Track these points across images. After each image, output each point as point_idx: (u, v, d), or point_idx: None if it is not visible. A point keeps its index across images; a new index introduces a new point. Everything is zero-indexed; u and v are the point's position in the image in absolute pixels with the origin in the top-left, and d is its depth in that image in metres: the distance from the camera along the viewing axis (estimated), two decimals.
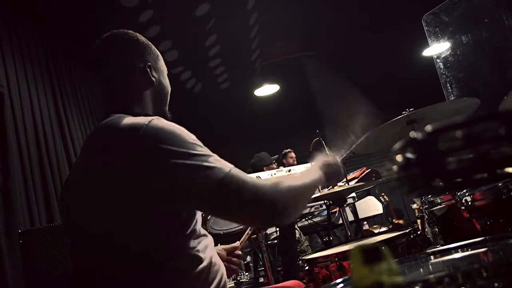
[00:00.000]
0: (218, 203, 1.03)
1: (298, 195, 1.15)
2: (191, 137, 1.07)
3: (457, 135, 0.50)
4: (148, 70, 1.25)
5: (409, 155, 0.53)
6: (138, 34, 1.33)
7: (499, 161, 0.50)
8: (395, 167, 0.56)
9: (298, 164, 4.77)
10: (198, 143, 1.07)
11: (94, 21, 4.02)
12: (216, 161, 1.05)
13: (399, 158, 0.55)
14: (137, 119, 1.08)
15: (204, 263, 1.10)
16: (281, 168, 4.08)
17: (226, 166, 1.05)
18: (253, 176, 3.50)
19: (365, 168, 4.14)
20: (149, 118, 1.06)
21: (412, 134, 0.51)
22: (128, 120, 1.08)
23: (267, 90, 6.58)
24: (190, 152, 1.02)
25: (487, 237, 0.96)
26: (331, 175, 1.34)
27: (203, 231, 1.18)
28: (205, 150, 1.06)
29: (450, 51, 3.40)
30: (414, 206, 4.32)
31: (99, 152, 1.10)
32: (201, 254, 1.10)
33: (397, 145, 0.55)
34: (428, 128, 0.50)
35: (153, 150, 1.01)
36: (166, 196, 1.02)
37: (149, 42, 1.34)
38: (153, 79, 1.26)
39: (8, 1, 3.30)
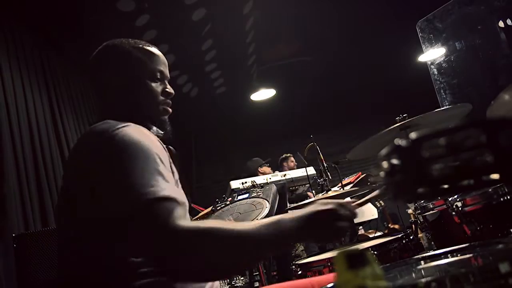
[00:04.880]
0: (137, 225, 0.92)
1: (238, 251, 0.94)
2: (151, 153, 1.01)
3: (440, 143, 0.51)
4: (137, 79, 1.25)
5: (394, 161, 0.54)
6: (134, 43, 1.30)
7: (481, 168, 0.51)
8: (381, 173, 0.57)
9: (298, 168, 4.78)
10: (153, 161, 1.00)
11: (91, 25, 4.03)
12: (159, 185, 0.95)
13: (385, 164, 0.56)
14: (110, 124, 1.07)
15: None
16: (277, 172, 4.09)
17: (166, 191, 0.94)
18: (248, 180, 3.51)
19: (360, 173, 4.15)
20: (120, 124, 1.05)
21: (397, 141, 0.52)
22: (103, 125, 1.08)
23: (263, 94, 6.59)
24: (137, 172, 0.96)
25: (476, 242, 0.97)
26: (316, 231, 1.03)
27: None
28: (155, 172, 0.98)
29: (444, 57, 3.42)
30: (410, 211, 4.33)
31: (76, 158, 1.13)
32: None
33: (383, 152, 0.56)
34: (412, 135, 0.51)
35: (106, 160, 1.00)
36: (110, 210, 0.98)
37: (145, 48, 1.30)
38: (143, 88, 1.25)
39: (4, 5, 3.30)
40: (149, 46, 1.31)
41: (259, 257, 1.04)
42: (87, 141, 1.12)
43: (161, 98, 1.27)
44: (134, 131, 1.05)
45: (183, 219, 0.92)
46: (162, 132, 1.27)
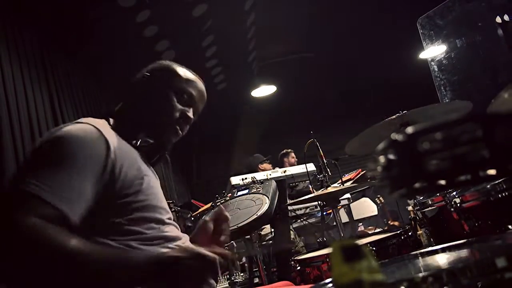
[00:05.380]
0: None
1: (63, 265, 0.91)
2: (69, 155, 1.03)
3: (436, 137, 0.51)
4: (163, 88, 1.31)
5: (391, 156, 0.54)
6: (180, 65, 1.39)
7: (478, 163, 0.51)
8: (378, 168, 0.57)
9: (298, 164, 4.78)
10: (64, 162, 1.02)
11: (91, 20, 4.03)
12: (42, 182, 0.96)
13: (381, 159, 0.56)
14: (66, 124, 1.15)
15: None
16: (277, 169, 4.09)
17: (42, 191, 0.94)
18: (248, 176, 3.50)
19: (360, 169, 4.14)
20: (74, 122, 1.15)
21: (393, 135, 0.52)
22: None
23: (264, 91, 6.60)
24: (43, 165, 1.01)
25: (474, 238, 0.97)
26: (164, 274, 0.97)
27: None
28: (54, 172, 0.99)
29: (444, 54, 3.42)
30: (410, 208, 4.34)
31: None
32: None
33: (379, 146, 0.56)
34: (409, 130, 0.51)
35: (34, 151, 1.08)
36: None
37: (187, 70, 1.39)
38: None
39: (4, 1, 3.29)
40: (193, 73, 1.38)
41: (93, 278, 0.95)
42: None
43: (177, 115, 1.29)
44: (74, 130, 1.09)
45: (36, 219, 0.91)
46: (144, 145, 1.28)
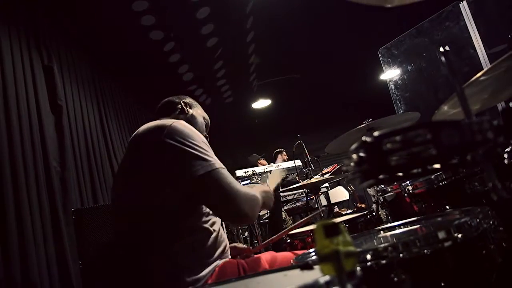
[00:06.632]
0: (201, 190, 1.01)
1: (258, 204, 1.13)
2: (199, 137, 1.08)
3: (396, 140, 0.50)
4: (185, 108, 1.40)
5: (361, 154, 0.53)
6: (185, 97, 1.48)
7: (428, 159, 0.51)
8: (351, 163, 0.56)
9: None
10: (203, 142, 1.07)
11: (131, 53, 4.03)
12: (212, 159, 1.04)
13: (354, 156, 0.55)
14: (163, 121, 1.10)
15: (214, 235, 1.11)
16: (272, 164, 4.08)
17: (218, 164, 1.05)
18: (250, 170, 3.50)
19: (336, 164, 4.15)
20: (172, 121, 1.09)
21: (364, 138, 0.52)
22: (157, 122, 1.11)
23: (261, 104, 6.61)
24: (194, 146, 1.03)
25: (422, 216, 0.97)
26: (266, 199, 1.24)
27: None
28: (206, 148, 1.07)
29: (399, 76, 3.43)
30: (371, 193, 4.32)
31: (135, 145, 1.14)
32: (211, 228, 1.11)
33: (352, 146, 0.55)
34: (375, 133, 0.51)
35: (169, 144, 1.03)
36: (174, 178, 1.01)
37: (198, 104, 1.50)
38: (187, 112, 1.40)
39: (67, 38, 3.30)
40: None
41: (262, 202, 1.18)
42: (148, 133, 1.13)
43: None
44: (183, 124, 1.11)
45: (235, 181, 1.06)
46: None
